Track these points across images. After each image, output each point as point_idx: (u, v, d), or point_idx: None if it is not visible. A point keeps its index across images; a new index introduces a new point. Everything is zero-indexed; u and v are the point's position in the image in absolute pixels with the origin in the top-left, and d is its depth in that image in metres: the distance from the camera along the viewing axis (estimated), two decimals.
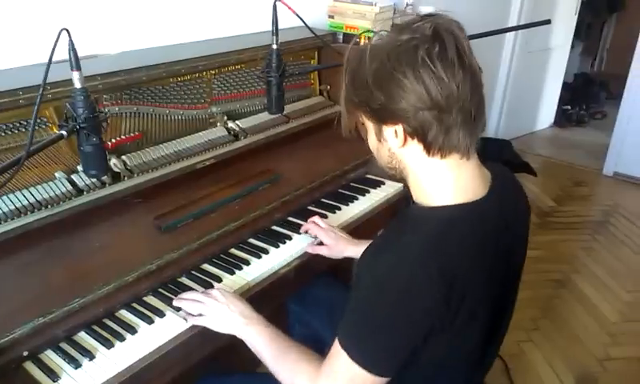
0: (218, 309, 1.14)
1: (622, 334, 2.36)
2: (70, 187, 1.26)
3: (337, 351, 0.92)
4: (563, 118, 5.07)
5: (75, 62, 1.08)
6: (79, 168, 1.31)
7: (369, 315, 0.90)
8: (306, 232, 1.50)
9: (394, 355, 0.90)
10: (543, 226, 3.30)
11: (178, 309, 1.20)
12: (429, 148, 0.91)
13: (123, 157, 1.39)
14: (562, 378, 2.11)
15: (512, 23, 4.01)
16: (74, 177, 1.29)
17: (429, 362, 0.95)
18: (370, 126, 0.97)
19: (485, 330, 0.99)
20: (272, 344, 1.08)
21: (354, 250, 1.43)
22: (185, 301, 1.18)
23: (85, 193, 1.27)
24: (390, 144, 0.94)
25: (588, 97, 5.36)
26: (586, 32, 5.64)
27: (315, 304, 1.54)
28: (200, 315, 1.15)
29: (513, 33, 4.04)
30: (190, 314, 1.17)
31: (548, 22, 1.70)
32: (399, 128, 0.90)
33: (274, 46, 1.52)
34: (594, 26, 5.88)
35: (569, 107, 5.15)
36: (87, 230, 1.25)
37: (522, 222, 1.08)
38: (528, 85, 4.50)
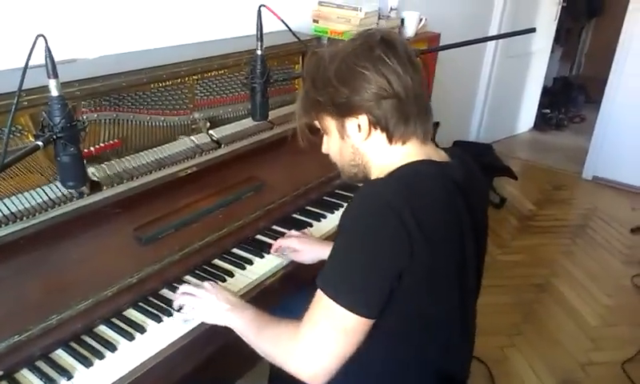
0: (207, 298, 1.15)
1: (603, 339, 2.39)
2: (46, 198, 1.21)
3: (317, 298, 0.96)
4: (543, 122, 5.13)
5: (52, 69, 1.04)
6: (56, 178, 1.27)
7: (346, 258, 0.95)
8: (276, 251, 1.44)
9: (372, 293, 0.93)
10: (523, 230, 3.32)
11: (160, 320, 1.17)
12: (391, 136, 1.00)
13: (102, 165, 1.35)
14: (545, 383, 2.12)
15: (494, 29, 4.03)
16: (50, 187, 1.24)
17: (407, 320, 1.00)
18: (331, 126, 1.04)
19: (456, 299, 1.03)
20: (254, 322, 1.09)
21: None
22: (181, 297, 1.18)
23: (62, 204, 1.23)
24: (353, 139, 1.02)
25: (567, 101, 5.44)
26: (565, 37, 5.71)
27: (302, 311, 1.51)
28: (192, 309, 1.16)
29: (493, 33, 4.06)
30: (181, 307, 1.17)
31: (533, 30, 1.71)
32: (363, 119, 0.99)
33: (259, 52, 1.50)
34: (572, 30, 5.96)
35: (548, 111, 5.21)
36: (65, 242, 1.21)
37: (483, 205, 1.13)
38: (509, 89, 4.53)
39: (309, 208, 1.70)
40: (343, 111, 1.00)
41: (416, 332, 1.03)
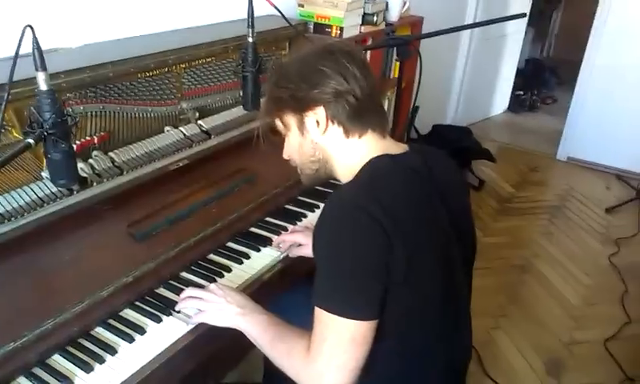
0: (215, 301, 1.12)
1: (585, 318, 2.44)
2: (34, 197, 1.15)
3: (317, 316, 0.95)
4: (516, 104, 5.19)
5: (40, 61, 0.98)
6: (43, 175, 1.21)
7: (331, 269, 0.95)
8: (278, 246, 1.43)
9: (367, 294, 0.93)
10: (503, 212, 3.37)
11: (160, 320, 1.13)
12: (347, 130, 1.04)
13: (90, 160, 1.29)
14: (532, 363, 2.16)
15: (471, 11, 4.04)
16: (38, 185, 1.18)
17: (400, 315, 0.99)
18: (291, 123, 1.08)
19: (443, 305, 1.04)
20: (269, 330, 1.07)
21: None
22: (184, 301, 1.15)
23: (50, 202, 1.17)
24: (312, 135, 1.07)
25: (539, 82, 5.51)
26: (537, 18, 5.77)
27: (297, 307, 1.49)
28: (199, 311, 1.13)
29: (470, 19, 4.07)
30: (188, 315, 1.14)
31: (524, 15, 1.70)
32: (321, 112, 1.03)
33: (250, 39, 1.45)
34: (544, 12, 6.02)
35: (521, 93, 5.28)
36: (55, 242, 1.15)
37: (458, 190, 1.15)
38: (484, 71, 4.56)
39: (301, 198, 1.68)
40: (302, 106, 1.04)
41: (411, 327, 1.03)
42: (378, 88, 1.09)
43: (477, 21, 4.06)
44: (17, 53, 0.91)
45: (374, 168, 1.02)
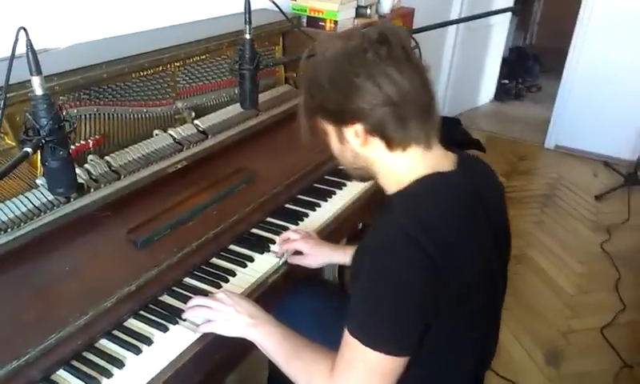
0: (225, 312, 1.08)
1: (581, 306, 2.46)
2: (30, 206, 1.11)
3: (348, 343, 0.91)
4: (502, 93, 5.20)
5: (35, 65, 0.94)
6: (38, 182, 1.16)
7: (373, 301, 0.90)
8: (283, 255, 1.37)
9: (407, 332, 0.90)
10: None
11: (166, 329, 1.10)
12: (389, 143, 0.95)
13: (86, 165, 1.24)
14: (531, 353, 2.17)
15: (456, 5, 4.03)
16: (34, 193, 1.13)
17: (436, 355, 0.96)
18: (330, 131, 1.00)
19: (483, 317, 1.02)
20: (283, 344, 1.04)
21: (339, 255, 1.38)
22: (191, 310, 1.11)
23: (47, 211, 1.13)
24: (353, 145, 0.97)
25: (523, 71, 5.52)
26: (521, 7, 5.78)
27: (300, 311, 1.46)
28: (208, 321, 1.09)
29: (457, 10, 4.06)
30: (195, 323, 1.10)
31: (511, 10, 1.68)
32: (359, 127, 0.94)
33: (247, 36, 1.41)
34: (528, 0, 6.04)
35: (507, 81, 5.29)
36: (54, 253, 1.11)
37: (498, 198, 1.09)
38: (470, 61, 4.56)
39: (301, 197, 1.65)
40: (338, 118, 0.96)
41: (445, 355, 1.00)
42: (427, 82, 0.95)
43: (463, 10, 4.06)
44: (12, 56, 0.87)
45: (426, 191, 0.94)
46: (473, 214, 0.96)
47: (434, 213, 0.91)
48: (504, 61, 5.27)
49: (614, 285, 2.59)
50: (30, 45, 0.91)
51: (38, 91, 0.95)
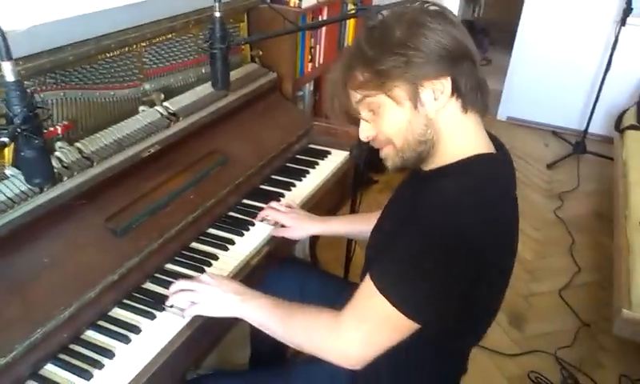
0: (211, 293, 1.07)
1: (539, 270, 2.58)
2: (2, 198, 1.05)
3: (369, 293, 0.89)
4: None
5: (5, 49, 0.88)
6: (7, 172, 1.11)
7: (417, 264, 0.87)
8: (263, 220, 1.41)
9: (436, 303, 0.88)
10: None
11: (153, 317, 1.09)
12: (467, 103, 0.92)
13: (57, 153, 1.19)
14: (497, 319, 2.23)
15: None
16: (5, 184, 1.08)
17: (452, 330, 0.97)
18: (401, 97, 0.91)
19: (498, 298, 1.04)
20: (276, 311, 1.03)
21: (322, 226, 1.40)
22: (175, 295, 1.09)
23: (21, 202, 1.07)
24: (428, 108, 0.91)
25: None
26: None
27: (284, 288, 1.47)
28: (193, 304, 1.08)
29: None
30: (182, 308, 1.08)
31: None
32: (445, 82, 0.89)
33: (217, 14, 1.37)
34: None
35: None
36: (31, 246, 1.06)
37: (514, 185, 1.10)
38: None
39: (275, 177, 1.65)
40: (421, 75, 0.89)
41: (461, 328, 1.01)
42: None
43: None
44: None
45: (483, 169, 0.93)
46: (514, 198, 0.98)
47: (496, 196, 0.92)
48: None
49: (568, 249, 2.73)
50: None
51: (10, 77, 0.89)
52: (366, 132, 0.99)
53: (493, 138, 1.02)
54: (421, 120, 0.92)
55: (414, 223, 0.89)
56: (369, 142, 1.02)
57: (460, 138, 0.94)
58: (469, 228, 0.85)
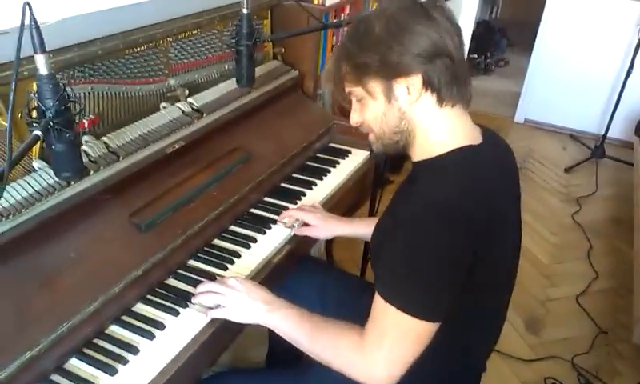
0: (238, 298, 1.06)
1: (556, 275, 2.56)
2: (31, 191, 1.06)
3: (381, 308, 0.91)
4: (471, 67, 5.26)
5: (40, 42, 0.88)
6: (35, 165, 1.12)
7: (409, 263, 0.90)
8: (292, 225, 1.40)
9: (443, 299, 0.90)
10: None
11: (177, 313, 1.09)
12: (442, 98, 0.94)
13: (84, 147, 1.19)
14: (514, 323, 2.25)
15: None
16: (33, 177, 1.08)
17: (460, 327, 0.98)
18: (377, 91, 0.96)
19: (502, 292, 1.07)
20: (303, 324, 1.02)
21: (348, 228, 1.39)
22: (202, 295, 1.09)
23: (49, 196, 1.08)
24: (401, 103, 0.96)
25: (491, 45, 5.59)
26: None
27: (302, 287, 1.47)
28: (218, 306, 1.07)
29: None
30: (209, 307, 1.08)
31: None
32: (416, 79, 0.92)
33: (245, 10, 1.37)
34: None
35: (475, 56, 5.35)
36: (58, 239, 1.07)
37: (514, 180, 1.10)
38: None
39: (296, 176, 1.64)
40: (393, 72, 0.93)
41: (468, 325, 1.02)
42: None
43: None
44: (21, 34, 0.81)
45: (463, 161, 0.94)
46: (507, 190, 0.99)
47: (479, 187, 0.92)
48: (472, 35, 5.32)
49: (585, 254, 2.70)
50: (34, 21, 0.86)
51: (43, 71, 0.90)
52: (354, 119, 1.05)
53: (484, 130, 1.04)
54: (395, 113, 0.97)
55: (395, 226, 0.93)
56: None
57: (437, 129, 0.97)
58: (443, 222, 0.88)
